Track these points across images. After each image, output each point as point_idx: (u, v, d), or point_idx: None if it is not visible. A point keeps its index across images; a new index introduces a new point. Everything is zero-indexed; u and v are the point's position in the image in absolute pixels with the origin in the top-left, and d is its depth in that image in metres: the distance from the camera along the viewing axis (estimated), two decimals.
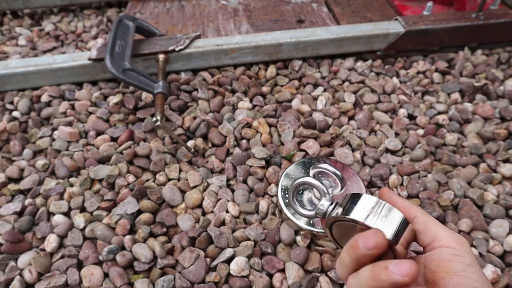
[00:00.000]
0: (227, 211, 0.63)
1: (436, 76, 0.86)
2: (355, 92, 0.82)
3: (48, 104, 0.82)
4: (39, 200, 0.65)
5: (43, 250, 0.59)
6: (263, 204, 0.62)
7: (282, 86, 0.85)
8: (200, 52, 0.84)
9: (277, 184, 0.65)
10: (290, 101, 0.80)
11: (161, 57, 0.82)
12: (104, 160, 0.69)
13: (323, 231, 0.55)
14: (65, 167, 0.69)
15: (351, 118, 0.78)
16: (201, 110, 0.78)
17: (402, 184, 0.66)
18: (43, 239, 0.60)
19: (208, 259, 0.56)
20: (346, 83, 0.86)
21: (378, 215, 0.28)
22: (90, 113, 0.79)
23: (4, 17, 1.13)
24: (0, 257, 0.57)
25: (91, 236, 0.60)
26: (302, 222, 0.58)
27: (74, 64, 0.82)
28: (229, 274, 0.55)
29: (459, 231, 0.60)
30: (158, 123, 0.65)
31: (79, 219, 0.61)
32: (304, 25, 1.01)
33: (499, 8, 0.93)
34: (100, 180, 0.67)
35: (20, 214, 0.63)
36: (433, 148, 0.71)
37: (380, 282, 0.25)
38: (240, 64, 0.88)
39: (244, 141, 0.72)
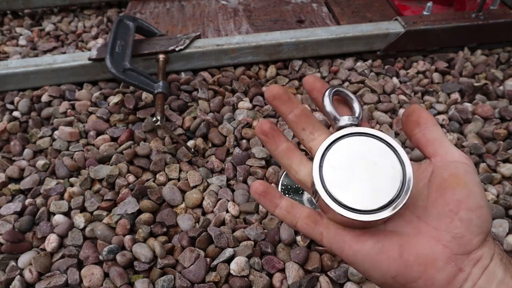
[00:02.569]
0: (227, 211, 0.63)
1: (436, 76, 0.86)
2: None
3: (49, 104, 0.82)
4: (39, 200, 0.65)
5: (44, 250, 0.59)
6: None
7: (282, 86, 0.85)
8: (200, 52, 0.84)
9: (277, 184, 0.65)
10: None
11: (161, 57, 0.82)
12: (104, 160, 0.70)
13: None
14: (65, 167, 0.69)
15: None
16: (201, 110, 0.78)
17: None
18: (43, 239, 0.60)
19: (208, 259, 0.56)
20: (346, 83, 0.86)
21: None
22: (90, 113, 0.79)
23: (4, 17, 1.13)
24: (1, 257, 0.57)
25: (91, 236, 0.60)
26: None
27: (74, 64, 0.82)
28: (229, 274, 0.55)
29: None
30: (158, 123, 0.65)
31: (79, 219, 0.61)
32: (304, 25, 1.01)
33: (499, 8, 0.93)
34: (100, 180, 0.67)
35: (20, 214, 0.63)
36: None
37: None
38: (240, 64, 0.88)
39: (244, 141, 0.73)
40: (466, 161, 0.30)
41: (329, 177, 0.29)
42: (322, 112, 0.34)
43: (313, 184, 0.29)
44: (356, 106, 0.33)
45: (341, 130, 0.31)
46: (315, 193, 0.30)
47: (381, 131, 0.36)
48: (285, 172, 0.64)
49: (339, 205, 0.28)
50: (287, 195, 0.61)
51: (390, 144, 0.30)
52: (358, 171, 0.29)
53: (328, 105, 0.32)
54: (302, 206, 0.33)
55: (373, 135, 0.31)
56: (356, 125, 0.31)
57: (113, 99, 0.80)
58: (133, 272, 0.57)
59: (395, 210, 0.27)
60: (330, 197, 0.28)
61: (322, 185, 0.29)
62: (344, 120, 0.32)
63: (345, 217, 0.28)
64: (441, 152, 0.30)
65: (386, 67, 0.89)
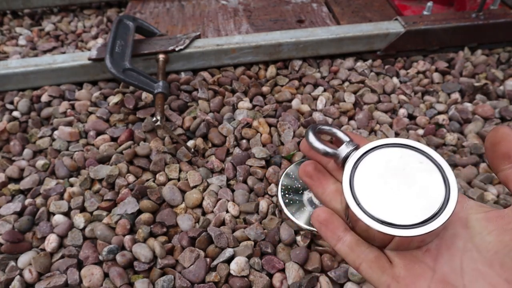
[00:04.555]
0: (227, 211, 0.63)
1: (436, 76, 0.86)
2: (355, 92, 0.83)
3: (48, 104, 0.82)
4: (39, 200, 0.65)
5: (43, 250, 0.59)
6: (263, 204, 0.62)
7: (282, 86, 0.85)
8: (200, 52, 0.84)
9: (277, 184, 0.65)
10: (290, 101, 0.80)
11: (161, 57, 0.82)
12: (104, 160, 0.69)
13: None
14: (65, 167, 0.69)
15: (351, 118, 0.78)
16: (201, 110, 0.78)
17: None
18: (43, 239, 0.60)
19: (208, 259, 0.56)
20: (346, 83, 0.86)
21: None
22: (90, 113, 0.79)
23: (4, 17, 1.13)
24: (0, 257, 0.57)
25: (91, 236, 0.60)
26: (302, 222, 0.58)
27: (74, 64, 0.82)
28: (229, 274, 0.55)
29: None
30: (158, 123, 0.65)
31: (79, 219, 0.61)
32: (304, 25, 1.01)
33: (499, 8, 0.93)
34: (100, 180, 0.67)
35: (20, 214, 0.63)
36: (433, 148, 0.72)
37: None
38: (240, 64, 0.88)
39: (244, 141, 0.72)
40: None
41: (362, 193, 0.27)
42: (313, 158, 0.32)
43: (346, 205, 0.27)
44: (341, 134, 0.31)
45: (370, 143, 0.29)
46: (347, 215, 0.28)
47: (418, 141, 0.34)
48: (285, 172, 0.64)
49: (375, 221, 0.26)
50: (287, 195, 0.61)
51: (429, 154, 0.28)
52: (393, 184, 0.27)
53: (318, 144, 0.30)
54: (369, 246, 0.28)
55: (408, 145, 0.28)
56: (357, 148, 0.29)
57: (113, 99, 0.80)
58: (133, 272, 0.57)
59: (441, 223, 0.25)
60: (365, 213, 0.26)
61: (356, 203, 0.27)
62: (344, 149, 0.29)
63: (382, 232, 0.25)
64: None
65: (386, 67, 0.89)
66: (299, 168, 0.33)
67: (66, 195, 0.65)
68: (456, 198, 0.25)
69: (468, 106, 0.80)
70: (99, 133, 0.75)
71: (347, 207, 0.27)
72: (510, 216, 0.26)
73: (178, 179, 0.67)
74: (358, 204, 0.26)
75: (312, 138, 0.31)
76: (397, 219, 0.25)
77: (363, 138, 0.32)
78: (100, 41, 1.02)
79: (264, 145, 0.72)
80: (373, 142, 0.29)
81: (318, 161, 0.32)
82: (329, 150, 0.30)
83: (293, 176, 0.63)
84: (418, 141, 0.72)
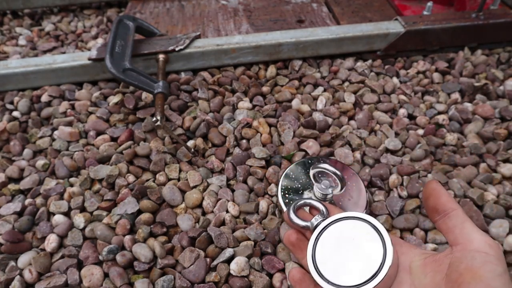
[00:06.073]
0: (227, 211, 0.63)
1: (436, 76, 0.86)
2: (355, 92, 0.83)
3: (48, 104, 0.82)
4: (39, 200, 0.65)
5: (43, 250, 0.59)
6: (263, 204, 0.62)
7: (282, 86, 0.85)
8: (200, 52, 0.84)
9: (277, 184, 0.65)
10: (290, 101, 0.80)
11: (161, 57, 0.82)
12: (104, 160, 0.69)
13: None
14: (65, 167, 0.69)
15: (351, 118, 0.78)
16: (201, 110, 0.78)
17: (402, 184, 0.66)
18: (43, 239, 0.60)
19: (208, 259, 0.56)
20: (346, 83, 0.86)
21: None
22: (90, 113, 0.79)
23: (4, 17, 1.13)
24: (0, 257, 0.57)
25: (91, 236, 0.60)
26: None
27: (74, 64, 0.82)
28: (229, 274, 0.55)
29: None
30: (158, 123, 0.65)
31: (79, 219, 0.61)
32: (304, 25, 1.01)
33: (499, 8, 0.93)
34: (100, 180, 0.67)
35: (20, 214, 0.63)
36: (433, 148, 0.72)
37: None
38: (240, 64, 0.88)
39: (244, 141, 0.72)
40: (488, 250, 0.27)
41: (321, 261, 0.34)
42: (294, 228, 0.40)
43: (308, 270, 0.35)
44: (318, 205, 0.39)
45: (333, 216, 0.36)
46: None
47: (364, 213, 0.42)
48: (285, 172, 0.64)
49: (330, 284, 0.32)
50: (287, 195, 0.61)
51: (374, 225, 0.34)
52: (345, 251, 0.34)
53: (295, 220, 0.39)
54: None
55: (359, 218, 0.35)
56: (324, 219, 0.37)
57: (113, 99, 0.80)
58: (133, 272, 0.57)
59: (374, 284, 0.31)
60: (320, 276, 0.33)
61: (315, 269, 0.34)
62: (313, 221, 0.37)
63: None
64: (462, 240, 0.29)
65: (386, 67, 0.89)
66: (283, 236, 0.42)
67: (66, 195, 0.65)
68: (390, 262, 0.31)
69: (468, 106, 0.80)
70: (99, 133, 0.75)
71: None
72: (441, 260, 0.30)
73: (178, 179, 0.67)
74: (317, 269, 0.34)
75: (291, 215, 0.39)
76: (344, 281, 0.32)
77: (335, 208, 0.39)
78: (100, 41, 1.02)
79: (264, 145, 0.72)
80: (336, 215, 0.36)
81: (299, 230, 0.39)
82: (302, 224, 0.38)
83: (293, 176, 0.63)
84: (418, 142, 0.72)
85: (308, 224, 0.38)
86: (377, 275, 0.31)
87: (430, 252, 0.33)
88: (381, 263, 0.31)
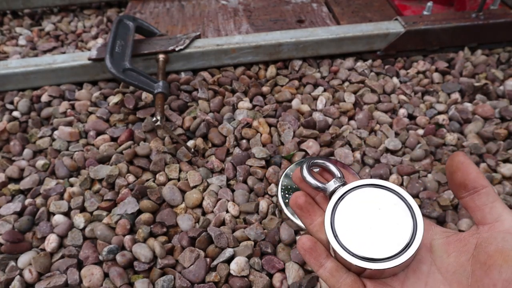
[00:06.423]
0: (227, 211, 0.63)
1: (436, 76, 0.86)
2: (355, 92, 0.82)
3: (48, 104, 0.82)
4: (39, 200, 0.65)
5: (43, 250, 0.59)
6: (263, 204, 0.62)
7: (282, 86, 0.85)
8: (200, 52, 0.84)
9: (277, 184, 0.65)
10: (290, 101, 0.80)
11: (161, 57, 0.82)
12: (104, 160, 0.69)
13: None
14: (65, 167, 0.69)
15: (351, 118, 0.78)
16: (201, 110, 0.78)
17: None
18: (43, 239, 0.60)
19: (208, 259, 0.56)
20: (346, 83, 0.86)
21: None
22: (90, 113, 0.79)
23: (4, 17, 1.13)
24: (0, 257, 0.57)
25: (91, 236, 0.60)
26: (301, 222, 0.58)
27: (74, 64, 0.82)
28: (229, 274, 0.55)
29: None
30: (158, 123, 0.65)
31: (79, 219, 0.61)
32: (304, 25, 1.01)
33: (499, 8, 0.93)
34: (100, 180, 0.67)
35: (20, 214, 0.63)
36: (433, 148, 0.71)
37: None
38: (240, 64, 0.88)
39: (244, 141, 0.72)
40: None
41: (341, 230, 0.30)
42: (306, 191, 0.35)
43: (327, 241, 0.30)
44: (333, 168, 0.34)
45: (354, 182, 0.32)
46: (329, 245, 0.31)
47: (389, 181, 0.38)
48: (285, 172, 0.64)
49: (351, 255, 0.29)
50: (287, 195, 0.61)
51: (401, 195, 0.31)
52: (369, 221, 0.30)
53: (310, 178, 0.34)
54: (347, 271, 0.31)
55: (383, 186, 0.31)
56: (343, 184, 0.32)
57: (113, 99, 0.80)
58: (133, 272, 0.57)
59: (407, 257, 0.28)
60: (343, 248, 0.29)
61: (336, 238, 0.30)
62: (331, 185, 0.33)
63: (358, 266, 0.29)
64: (490, 219, 0.28)
65: (386, 67, 0.89)
66: (290, 198, 0.37)
67: (66, 195, 0.65)
68: (422, 236, 0.28)
69: (468, 106, 0.80)
70: (99, 133, 0.75)
71: (327, 240, 0.31)
72: (466, 239, 0.29)
73: (178, 179, 0.67)
74: (337, 238, 0.30)
75: (305, 172, 0.34)
76: (370, 253, 0.29)
77: (353, 174, 0.35)
78: (100, 41, 1.02)
79: (264, 145, 0.72)
80: (357, 181, 0.32)
81: (308, 192, 0.35)
82: (319, 184, 0.33)
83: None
84: (418, 142, 0.72)
85: (325, 186, 0.33)
86: (406, 250, 0.28)
87: (451, 231, 0.31)
88: (410, 238, 0.28)
